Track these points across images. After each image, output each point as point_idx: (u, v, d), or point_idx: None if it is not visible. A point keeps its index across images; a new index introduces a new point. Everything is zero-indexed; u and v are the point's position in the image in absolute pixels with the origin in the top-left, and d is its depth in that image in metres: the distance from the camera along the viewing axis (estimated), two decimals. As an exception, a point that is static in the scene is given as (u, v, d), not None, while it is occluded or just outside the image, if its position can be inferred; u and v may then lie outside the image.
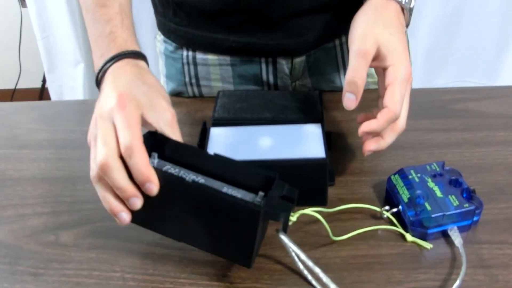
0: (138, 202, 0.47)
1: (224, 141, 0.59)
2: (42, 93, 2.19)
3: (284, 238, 0.49)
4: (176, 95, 0.84)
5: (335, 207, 0.57)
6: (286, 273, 0.52)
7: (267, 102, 0.65)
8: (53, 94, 1.98)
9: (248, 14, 0.72)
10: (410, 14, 0.62)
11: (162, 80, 0.86)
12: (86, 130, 0.74)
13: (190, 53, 0.79)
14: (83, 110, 0.80)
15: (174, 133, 0.52)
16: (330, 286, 0.47)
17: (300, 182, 0.57)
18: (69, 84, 1.91)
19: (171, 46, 0.80)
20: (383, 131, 0.56)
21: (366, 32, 0.57)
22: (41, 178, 0.67)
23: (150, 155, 0.50)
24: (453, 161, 0.65)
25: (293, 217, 0.51)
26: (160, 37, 0.82)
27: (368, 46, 0.56)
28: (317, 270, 0.48)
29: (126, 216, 0.48)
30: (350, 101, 0.55)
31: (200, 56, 0.79)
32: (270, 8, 0.71)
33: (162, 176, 0.47)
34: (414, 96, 0.81)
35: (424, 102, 0.78)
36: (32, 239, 0.58)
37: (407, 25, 0.63)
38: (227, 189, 0.50)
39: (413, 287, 0.50)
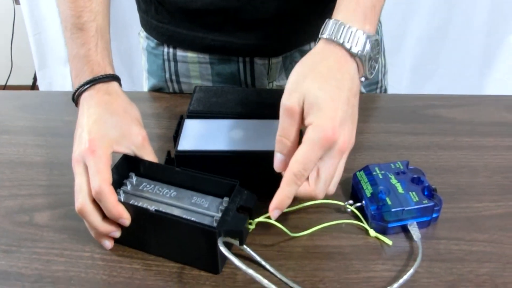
0: (115, 234, 0.55)
1: (197, 132, 0.62)
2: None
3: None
4: (157, 91, 0.87)
5: (302, 200, 0.59)
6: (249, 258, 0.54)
7: (241, 98, 0.67)
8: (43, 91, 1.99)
9: (226, 15, 0.74)
10: (367, 63, 0.52)
11: (145, 75, 0.88)
12: (67, 119, 0.78)
13: (171, 50, 0.81)
14: (65, 101, 0.82)
15: (146, 154, 0.58)
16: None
17: (270, 174, 0.59)
18: (59, 82, 1.93)
19: (153, 43, 0.83)
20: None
21: (294, 86, 0.50)
22: (19, 162, 0.69)
23: (128, 176, 0.57)
24: (420, 162, 0.67)
25: (252, 225, 0.53)
26: (143, 33, 0.85)
27: (292, 102, 0.49)
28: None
29: (108, 244, 0.55)
30: (278, 161, 0.51)
31: (180, 53, 0.81)
32: (248, 11, 0.73)
33: (131, 207, 0.53)
34: (388, 101, 0.85)
35: (396, 106, 0.80)
36: (6, 219, 0.59)
37: (365, 77, 0.53)
38: (196, 198, 0.55)
39: (370, 276, 0.52)
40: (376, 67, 0.55)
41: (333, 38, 0.51)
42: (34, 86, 2.19)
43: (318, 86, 0.50)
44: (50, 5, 1.78)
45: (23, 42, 2.05)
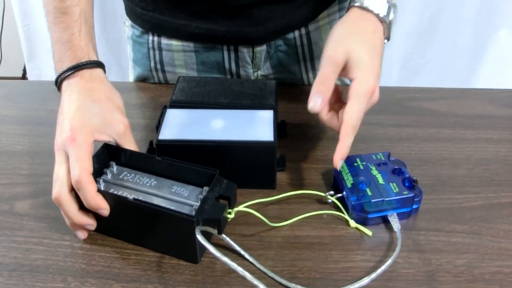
0: (90, 227, 0.55)
1: (179, 122, 0.62)
2: (21, 82, 2.19)
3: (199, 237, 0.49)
4: (142, 81, 0.86)
5: (283, 191, 0.60)
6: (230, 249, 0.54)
7: (224, 88, 0.67)
8: (32, 83, 1.98)
9: (209, 1, 0.74)
10: (390, 27, 0.63)
11: (130, 65, 0.88)
12: (50, 108, 0.78)
13: (156, 38, 0.81)
14: (48, 90, 0.82)
15: (127, 143, 0.58)
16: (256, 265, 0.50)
17: (250, 165, 0.59)
18: (48, 73, 1.91)
19: (137, 31, 0.82)
20: (340, 137, 0.58)
21: (339, 42, 0.59)
22: (1, 151, 0.68)
23: (108, 166, 0.57)
24: (402, 154, 0.67)
25: (231, 214, 0.54)
26: (128, 22, 0.84)
27: (339, 55, 0.58)
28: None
29: (81, 234, 0.55)
30: (316, 103, 0.57)
31: (164, 41, 0.81)
32: None
33: (110, 196, 0.53)
34: (371, 93, 0.84)
35: (380, 99, 0.79)
36: (-14, 208, 0.59)
37: (387, 38, 0.64)
38: (176, 187, 0.55)
39: (349, 266, 0.52)
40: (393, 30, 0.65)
41: (364, 5, 0.61)
42: (23, 78, 2.17)
43: (360, 46, 0.58)
44: (39, -4, 1.77)
45: (12, 33, 2.03)
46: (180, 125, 0.61)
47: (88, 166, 0.52)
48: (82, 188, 0.51)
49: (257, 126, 0.61)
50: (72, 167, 0.52)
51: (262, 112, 0.63)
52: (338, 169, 0.58)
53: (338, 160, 0.57)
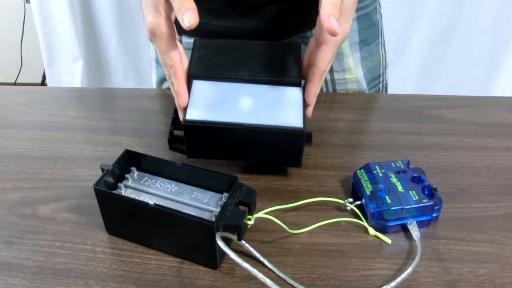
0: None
1: (206, 97, 0.60)
2: (40, 88, 2.22)
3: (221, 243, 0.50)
4: (165, 80, 0.87)
5: (302, 198, 0.60)
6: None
7: (245, 56, 0.64)
8: (51, 89, 2.01)
9: None
10: None
11: (153, 66, 0.89)
12: (71, 114, 0.79)
13: (177, 37, 0.82)
14: (69, 97, 0.83)
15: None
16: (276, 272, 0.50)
17: (276, 146, 0.60)
18: (67, 80, 1.95)
19: None
20: (311, 79, 0.61)
21: None
22: (23, 156, 0.70)
23: (129, 171, 0.58)
24: (421, 162, 0.67)
25: (251, 221, 0.54)
26: None
27: None
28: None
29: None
30: (335, 23, 0.54)
31: (185, 40, 0.82)
32: None
33: (130, 201, 0.54)
34: (389, 101, 0.85)
35: (398, 106, 0.80)
36: (10, 211, 0.60)
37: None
38: (196, 193, 0.56)
39: (368, 274, 0.52)
40: None
41: None
42: (43, 84, 2.21)
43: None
44: (60, 4, 1.80)
45: (32, 40, 2.07)
46: (206, 102, 0.59)
47: (174, 55, 0.59)
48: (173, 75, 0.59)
49: (285, 108, 0.60)
50: (163, 63, 0.60)
51: (290, 90, 0.62)
52: (311, 108, 0.62)
53: (311, 100, 0.61)
